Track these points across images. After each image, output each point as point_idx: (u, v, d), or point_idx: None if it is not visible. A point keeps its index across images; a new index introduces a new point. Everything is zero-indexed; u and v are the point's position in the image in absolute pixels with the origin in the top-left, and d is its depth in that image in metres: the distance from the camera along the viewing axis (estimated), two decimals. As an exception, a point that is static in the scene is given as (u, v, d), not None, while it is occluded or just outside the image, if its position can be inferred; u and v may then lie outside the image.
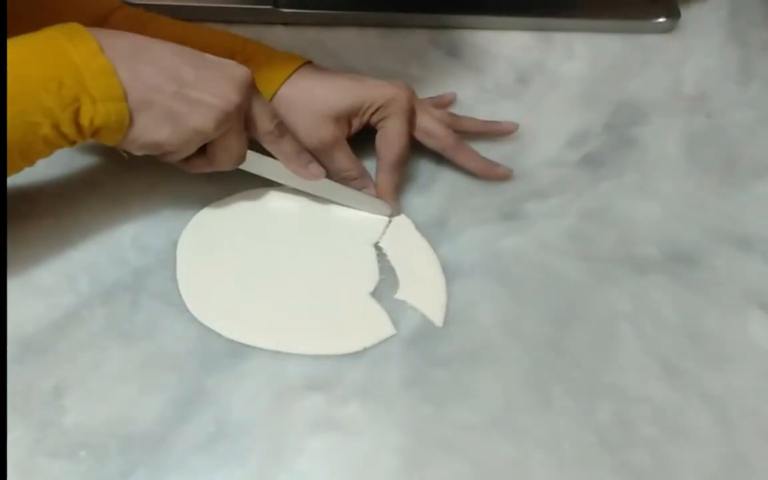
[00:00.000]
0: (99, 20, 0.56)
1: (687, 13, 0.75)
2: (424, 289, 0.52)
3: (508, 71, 0.69)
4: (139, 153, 0.48)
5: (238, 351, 0.48)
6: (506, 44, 0.72)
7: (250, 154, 0.52)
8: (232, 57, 0.53)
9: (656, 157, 0.64)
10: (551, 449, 0.46)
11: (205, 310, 0.49)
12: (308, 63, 0.56)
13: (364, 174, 0.57)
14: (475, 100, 0.66)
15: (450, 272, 0.54)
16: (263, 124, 0.51)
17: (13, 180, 0.48)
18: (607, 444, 0.47)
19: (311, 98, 0.54)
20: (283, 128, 0.52)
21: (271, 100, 0.54)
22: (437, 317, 0.51)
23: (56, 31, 0.44)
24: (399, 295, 0.52)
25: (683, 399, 0.49)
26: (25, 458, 0.42)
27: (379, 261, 0.54)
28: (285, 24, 0.70)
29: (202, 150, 0.50)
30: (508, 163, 0.61)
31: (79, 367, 0.46)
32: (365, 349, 0.49)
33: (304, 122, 0.54)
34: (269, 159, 0.53)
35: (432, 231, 0.56)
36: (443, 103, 0.64)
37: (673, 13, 0.75)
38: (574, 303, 0.53)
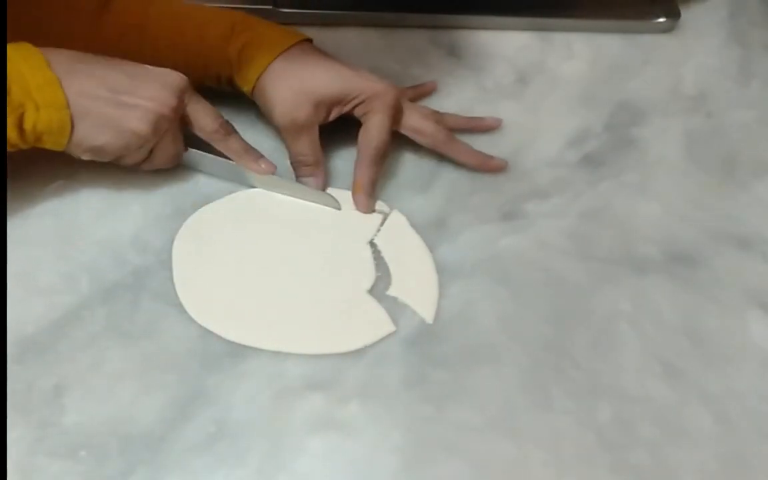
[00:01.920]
0: (104, 1, 0.57)
1: (687, 13, 0.75)
2: (417, 286, 0.52)
3: (508, 71, 0.69)
4: (86, 157, 0.51)
5: (238, 351, 0.48)
6: (506, 44, 0.72)
7: (195, 153, 0.55)
8: (231, 27, 0.56)
9: (656, 157, 0.64)
10: (551, 449, 0.46)
11: (204, 311, 0.49)
12: (306, 41, 0.58)
13: (319, 164, 0.57)
14: (475, 100, 0.66)
15: (450, 272, 0.54)
16: (207, 123, 0.54)
17: (13, 180, 0.48)
18: (606, 444, 0.47)
19: (297, 77, 0.55)
20: (227, 127, 0.55)
21: (263, 71, 0.56)
22: (428, 314, 0.51)
23: (12, 50, 0.48)
24: (391, 291, 0.52)
25: (683, 399, 0.49)
26: (25, 458, 0.42)
27: (375, 258, 0.54)
28: (285, 24, 0.69)
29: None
30: (509, 163, 0.61)
31: (79, 367, 0.46)
32: (365, 349, 0.49)
33: (284, 98, 0.55)
34: (218, 157, 0.56)
35: (432, 230, 0.56)
36: (425, 92, 0.65)
37: (673, 13, 0.75)
38: (573, 303, 0.53)
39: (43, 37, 0.49)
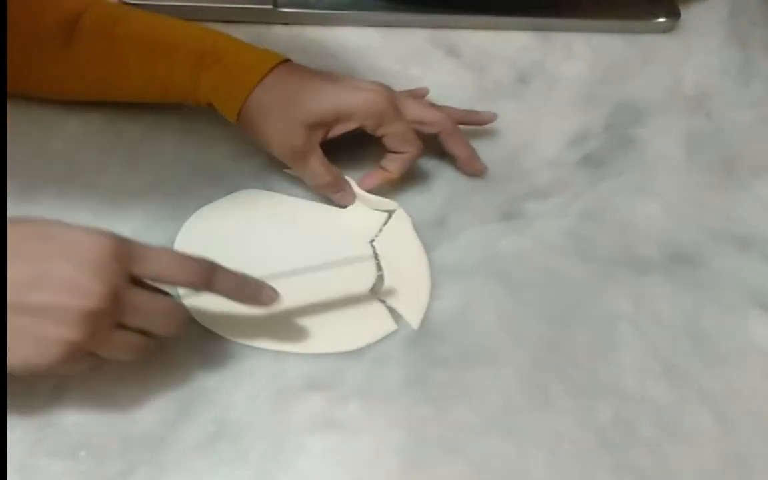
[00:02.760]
0: (72, 17, 0.54)
1: (687, 13, 0.75)
2: (407, 291, 0.52)
3: (508, 71, 0.69)
4: (19, 375, 0.40)
5: (239, 351, 0.48)
6: (506, 44, 0.71)
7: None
8: (200, 59, 0.52)
9: (656, 157, 0.64)
10: (551, 449, 0.46)
11: (205, 312, 0.49)
12: (284, 62, 0.55)
13: (338, 178, 0.55)
14: (475, 100, 0.66)
15: (449, 272, 0.54)
16: (175, 279, 0.42)
17: (12, 180, 0.48)
18: (606, 444, 0.47)
19: (286, 104, 0.52)
20: (205, 270, 0.42)
21: (243, 104, 0.52)
22: (414, 320, 0.51)
23: None
24: (382, 295, 0.52)
25: (683, 399, 0.49)
26: (25, 458, 0.42)
27: (376, 257, 0.54)
28: (285, 24, 0.70)
29: None
30: (509, 163, 0.61)
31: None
32: (365, 350, 0.49)
33: (278, 129, 0.53)
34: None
35: (431, 230, 0.56)
36: (420, 96, 0.63)
37: (673, 13, 0.75)
38: (573, 303, 0.53)
39: (10, 71, 0.45)
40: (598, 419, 0.48)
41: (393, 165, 0.56)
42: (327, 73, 0.55)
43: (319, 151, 0.54)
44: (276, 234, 0.54)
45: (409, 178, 0.59)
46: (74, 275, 0.38)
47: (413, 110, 0.56)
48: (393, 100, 0.54)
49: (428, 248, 0.55)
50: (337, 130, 0.54)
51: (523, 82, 0.69)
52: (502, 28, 0.73)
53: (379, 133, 0.54)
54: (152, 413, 0.45)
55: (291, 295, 0.51)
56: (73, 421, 0.44)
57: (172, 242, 0.53)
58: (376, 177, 0.56)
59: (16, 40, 0.50)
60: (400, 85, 0.66)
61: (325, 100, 0.53)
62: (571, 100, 0.68)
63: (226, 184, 0.57)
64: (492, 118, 0.62)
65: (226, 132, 0.60)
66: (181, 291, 0.49)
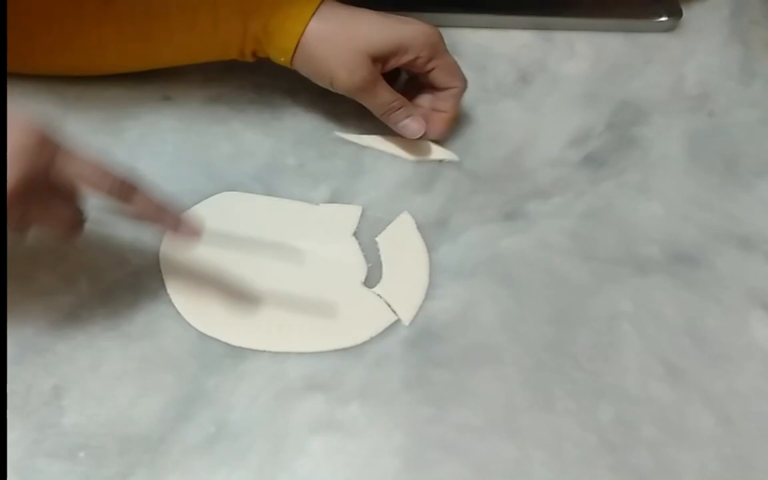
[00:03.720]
0: None
1: (689, 12, 0.75)
2: (403, 288, 0.52)
3: (509, 70, 0.69)
4: None
5: (238, 352, 0.48)
6: (507, 43, 0.71)
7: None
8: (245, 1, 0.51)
9: (658, 157, 0.63)
10: (552, 450, 0.46)
11: (200, 316, 0.49)
12: None
13: (406, 104, 0.56)
14: (476, 100, 0.66)
15: (451, 272, 0.54)
16: (96, 187, 0.41)
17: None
18: (608, 445, 0.47)
19: (349, 34, 0.52)
20: (126, 185, 0.41)
21: (299, 40, 0.52)
22: (406, 316, 0.51)
23: None
24: (377, 288, 0.52)
25: (685, 399, 0.49)
26: (24, 459, 0.42)
27: (363, 250, 0.54)
28: (285, 23, 0.69)
29: None
30: (510, 163, 0.61)
31: (79, 368, 0.46)
32: (366, 350, 0.49)
33: (345, 60, 0.52)
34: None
35: (433, 230, 0.56)
36: None
37: (675, 12, 0.75)
38: (575, 303, 0.53)
39: (56, 23, 0.45)
40: (599, 420, 0.48)
41: (447, 104, 0.57)
42: (375, 9, 0.55)
43: (383, 81, 0.55)
44: (259, 235, 0.54)
45: (410, 178, 0.59)
46: None
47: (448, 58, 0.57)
48: (440, 34, 0.56)
49: (430, 248, 0.55)
50: (393, 63, 0.55)
51: (525, 81, 0.68)
52: (504, 27, 0.72)
53: (429, 66, 0.55)
54: (151, 414, 0.45)
55: (285, 295, 0.51)
56: (72, 422, 0.44)
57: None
58: (441, 122, 0.57)
59: (58, 7, 0.50)
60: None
61: (386, 31, 0.53)
62: (572, 99, 0.67)
63: (226, 184, 0.57)
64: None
65: (226, 132, 0.60)
66: (169, 288, 0.49)
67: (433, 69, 0.55)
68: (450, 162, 0.60)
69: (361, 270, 0.53)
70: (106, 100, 0.59)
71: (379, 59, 0.54)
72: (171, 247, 0.52)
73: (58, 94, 0.58)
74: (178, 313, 0.49)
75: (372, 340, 0.50)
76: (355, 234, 0.55)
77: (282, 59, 0.54)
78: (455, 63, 0.57)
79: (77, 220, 0.43)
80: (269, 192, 0.57)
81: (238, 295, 0.51)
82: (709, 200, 0.61)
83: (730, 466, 0.47)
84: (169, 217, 0.43)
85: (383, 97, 0.55)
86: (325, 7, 0.53)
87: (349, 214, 0.56)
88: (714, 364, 0.51)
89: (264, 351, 0.48)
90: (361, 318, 0.50)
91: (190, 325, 0.49)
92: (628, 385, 0.49)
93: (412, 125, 0.56)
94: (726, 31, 0.75)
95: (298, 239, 0.54)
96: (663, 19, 0.74)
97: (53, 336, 0.47)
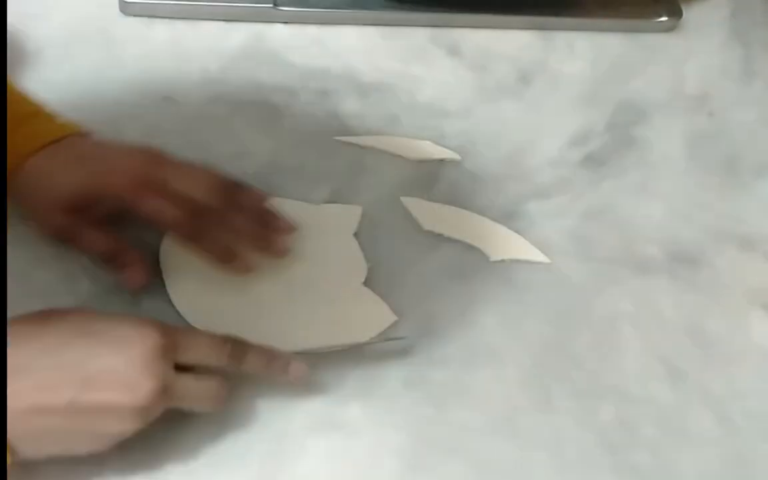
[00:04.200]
0: None
1: (689, 12, 0.75)
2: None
3: (509, 70, 0.69)
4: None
5: (238, 352, 0.48)
6: (507, 43, 0.71)
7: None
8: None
9: (658, 157, 0.63)
10: (552, 450, 0.46)
11: (199, 317, 0.49)
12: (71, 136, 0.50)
13: (124, 248, 0.49)
14: (476, 100, 0.66)
15: (452, 272, 0.54)
16: (216, 361, 0.42)
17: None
18: (608, 445, 0.47)
19: (46, 183, 0.48)
20: (238, 349, 0.43)
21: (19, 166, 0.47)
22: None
23: None
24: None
25: (685, 400, 0.49)
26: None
27: (363, 251, 0.53)
28: (285, 23, 0.69)
29: None
30: (510, 162, 0.61)
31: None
32: (366, 351, 0.49)
33: (33, 217, 0.49)
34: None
35: (432, 231, 0.56)
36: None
37: (675, 12, 0.75)
38: (575, 303, 0.53)
39: None
40: (599, 420, 0.48)
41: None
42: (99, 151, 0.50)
43: (92, 228, 0.49)
44: None
45: (410, 179, 0.59)
46: (125, 372, 0.38)
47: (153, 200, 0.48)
48: (149, 167, 0.49)
49: (431, 249, 0.55)
50: (101, 210, 0.49)
51: (525, 81, 0.68)
52: (504, 27, 0.72)
53: (140, 200, 0.48)
54: (152, 414, 0.45)
55: (287, 296, 0.51)
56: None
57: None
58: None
59: None
60: (401, 85, 0.66)
61: (76, 184, 0.48)
62: (572, 99, 0.67)
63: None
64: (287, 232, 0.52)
65: (226, 132, 0.60)
66: (169, 288, 0.49)
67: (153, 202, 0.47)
68: (450, 162, 0.60)
69: (361, 270, 0.52)
70: (106, 101, 0.59)
71: (75, 209, 0.49)
72: (171, 247, 0.52)
73: (59, 96, 0.58)
74: (178, 313, 0.49)
75: (372, 340, 0.49)
76: (355, 234, 0.55)
77: None
78: (196, 172, 0.50)
79: (219, 389, 0.43)
80: (269, 192, 0.56)
81: (238, 295, 0.51)
82: (709, 200, 0.61)
83: (729, 466, 0.47)
84: (278, 365, 0.44)
85: (89, 245, 0.49)
86: (47, 152, 0.49)
87: (349, 214, 0.56)
88: (714, 364, 0.51)
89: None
90: (362, 320, 0.50)
91: (189, 325, 0.49)
92: (628, 386, 0.49)
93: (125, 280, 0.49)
94: (726, 31, 0.75)
95: (299, 239, 0.54)
96: (663, 19, 0.74)
97: (53, 336, 0.47)
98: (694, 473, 0.46)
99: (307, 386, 0.46)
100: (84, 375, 0.38)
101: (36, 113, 0.52)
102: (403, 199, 0.57)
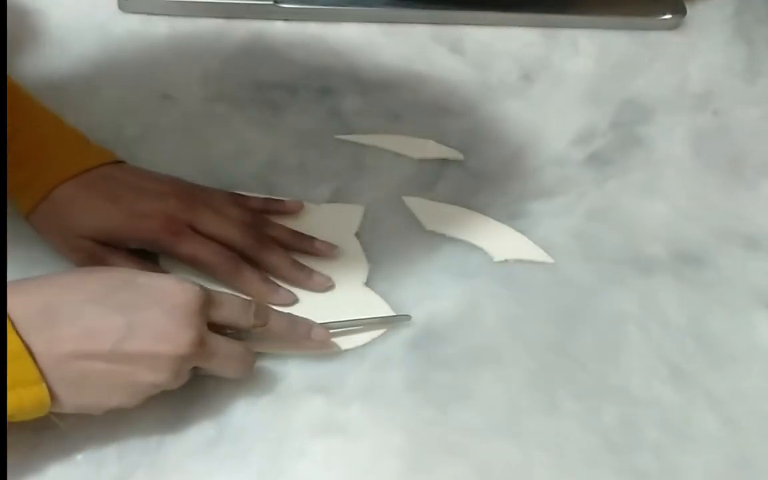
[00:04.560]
0: None
1: (693, 10, 0.75)
2: None
3: (512, 68, 0.69)
4: (98, 414, 0.42)
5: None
6: (511, 41, 0.71)
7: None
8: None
9: (662, 156, 0.63)
10: (555, 452, 0.46)
11: None
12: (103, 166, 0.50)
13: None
14: (479, 98, 0.65)
15: (453, 272, 0.53)
16: (242, 322, 0.44)
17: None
18: (612, 447, 0.46)
19: (75, 215, 0.48)
20: (263, 313, 0.45)
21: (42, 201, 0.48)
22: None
23: None
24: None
25: (689, 401, 0.49)
26: (22, 462, 0.42)
27: (365, 250, 0.53)
28: (285, 20, 0.69)
29: None
30: (513, 161, 0.61)
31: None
32: (366, 352, 0.49)
33: (59, 241, 0.49)
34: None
35: (435, 231, 0.55)
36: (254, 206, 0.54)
37: (679, 10, 0.75)
38: (579, 304, 0.53)
39: None
40: (603, 421, 0.47)
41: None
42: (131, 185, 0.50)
43: (118, 251, 0.49)
44: None
45: (413, 178, 0.59)
46: (166, 323, 0.40)
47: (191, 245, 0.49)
48: (183, 211, 0.49)
49: (432, 248, 0.54)
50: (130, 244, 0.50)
51: (528, 79, 0.68)
52: (507, 25, 0.72)
53: (175, 244, 0.49)
54: (150, 416, 0.44)
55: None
56: (71, 425, 0.44)
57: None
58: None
59: None
60: (403, 83, 0.65)
61: (101, 221, 0.49)
62: (576, 97, 0.67)
63: (226, 184, 0.56)
64: (296, 207, 0.54)
65: (226, 131, 0.60)
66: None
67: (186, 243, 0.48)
68: (453, 161, 0.60)
69: (363, 270, 0.52)
70: (105, 99, 0.59)
71: (105, 242, 0.49)
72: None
73: (58, 94, 0.58)
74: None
75: (373, 341, 0.49)
76: (357, 234, 0.54)
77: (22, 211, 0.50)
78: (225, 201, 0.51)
79: (247, 354, 0.45)
80: (270, 191, 0.56)
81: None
82: (714, 199, 0.60)
83: (734, 468, 0.46)
84: (302, 328, 0.46)
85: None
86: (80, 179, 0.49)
87: (350, 214, 0.55)
88: (718, 365, 0.51)
89: (265, 353, 0.48)
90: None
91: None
92: (632, 387, 0.49)
93: None
94: (730, 29, 0.75)
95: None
96: (667, 16, 0.74)
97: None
98: (698, 475, 0.46)
99: (329, 352, 0.48)
100: (127, 324, 0.39)
101: (70, 138, 0.52)
102: (405, 198, 0.57)
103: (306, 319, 0.47)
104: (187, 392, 0.45)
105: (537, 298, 0.53)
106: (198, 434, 0.44)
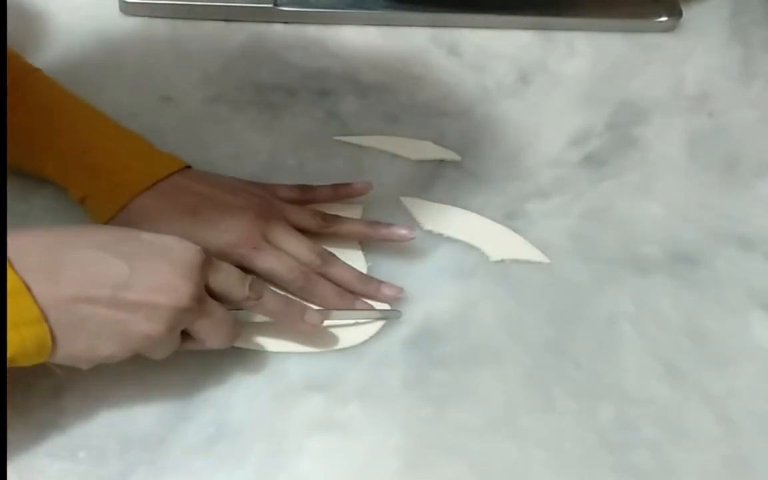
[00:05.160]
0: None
1: (689, 12, 0.75)
2: None
3: (509, 70, 0.69)
4: (84, 367, 0.41)
5: (238, 351, 0.48)
6: (507, 43, 0.71)
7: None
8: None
9: (658, 157, 0.63)
10: (552, 450, 0.46)
11: None
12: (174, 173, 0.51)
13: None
14: (476, 100, 0.66)
15: (451, 272, 0.54)
16: (236, 292, 0.44)
17: (12, 179, 0.47)
18: (608, 445, 0.47)
19: (152, 227, 0.46)
20: (259, 287, 0.45)
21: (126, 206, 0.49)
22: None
23: None
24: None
25: (685, 400, 0.49)
26: (24, 459, 0.42)
27: (362, 250, 0.54)
28: (285, 22, 0.69)
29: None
30: (510, 162, 0.61)
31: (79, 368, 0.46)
32: (365, 350, 0.49)
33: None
34: (262, 322, 0.47)
35: (432, 231, 0.56)
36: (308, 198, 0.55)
37: (675, 12, 0.75)
38: (575, 303, 0.53)
39: None
40: (599, 420, 0.48)
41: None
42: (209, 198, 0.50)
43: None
44: None
45: (410, 178, 0.59)
46: (168, 274, 0.40)
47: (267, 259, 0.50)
48: (264, 213, 0.50)
49: (430, 248, 0.55)
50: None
51: (525, 81, 0.68)
52: (504, 27, 0.72)
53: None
54: (151, 414, 0.45)
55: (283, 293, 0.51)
56: (72, 422, 0.44)
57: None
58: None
59: None
60: (401, 85, 0.66)
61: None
62: (572, 99, 0.67)
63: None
64: (366, 187, 0.55)
65: (226, 132, 0.60)
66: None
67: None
68: (450, 161, 0.60)
69: (361, 269, 0.52)
70: (106, 101, 0.59)
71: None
72: None
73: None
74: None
75: (371, 340, 0.49)
76: None
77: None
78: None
79: (235, 325, 0.45)
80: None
81: None
82: (709, 200, 0.61)
83: (729, 465, 0.47)
84: (295, 310, 0.46)
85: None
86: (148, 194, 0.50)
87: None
88: (714, 364, 0.51)
89: (264, 351, 0.48)
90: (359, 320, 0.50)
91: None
92: (628, 385, 0.49)
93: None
94: (726, 31, 0.75)
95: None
96: (663, 19, 0.74)
97: (53, 336, 0.47)
98: (693, 473, 0.46)
99: (320, 340, 0.48)
100: (129, 272, 0.39)
101: (140, 146, 0.53)
102: (402, 198, 0.57)
103: (301, 302, 0.47)
104: (188, 390, 0.46)
105: (534, 298, 0.53)
106: (198, 432, 0.44)
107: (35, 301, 0.37)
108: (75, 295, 0.38)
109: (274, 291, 0.46)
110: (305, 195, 0.54)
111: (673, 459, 0.46)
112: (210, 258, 0.43)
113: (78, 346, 0.39)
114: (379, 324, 0.50)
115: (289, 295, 0.48)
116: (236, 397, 0.46)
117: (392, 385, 0.48)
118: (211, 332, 0.43)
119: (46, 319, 0.37)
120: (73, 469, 0.42)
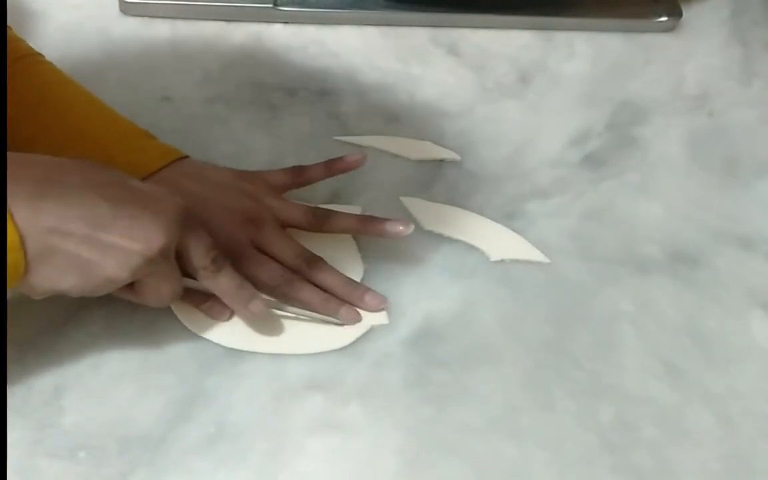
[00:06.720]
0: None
1: (689, 12, 0.75)
2: None
3: (509, 70, 0.69)
4: (37, 297, 0.42)
5: (237, 352, 0.48)
6: (507, 43, 0.71)
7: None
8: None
9: (658, 157, 0.63)
10: (552, 450, 0.46)
11: (197, 321, 0.49)
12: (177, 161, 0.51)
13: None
14: (476, 100, 0.66)
15: (451, 272, 0.54)
16: (198, 258, 0.44)
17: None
18: (608, 445, 0.47)
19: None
20: (220, 261, 0.45)
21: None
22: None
23: None
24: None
25: (685, 399, 0.49)
26: (24, 459, 0.42)
27: (360, 251, 0.53)
28: (285, 23, 0.70)
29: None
30: (510, 163, 0.61)
31: (79, 368, 0.46)
32: (365, 350, 0.49)
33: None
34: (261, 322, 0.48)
35: (432, 231, 0.56)
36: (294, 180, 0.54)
37: (675, 12, 0.75)
38: (575, 303, 0.53)
39: None
40: (599, 420, 0.47)
41: None
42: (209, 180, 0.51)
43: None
44: None
45: (410, 178, 0.59)
46: (147, 224, 0.41)
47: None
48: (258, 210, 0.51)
49: (430, 248, 0.55)
50: None
51: (524, 81, 0.68)
52: (504, 27, 0.72)
53: None
54: (151, 414, 0.45)
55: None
56: (72, 422, 0.44)
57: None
58: None
59: None
60: (400, 85, 0.66)
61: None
62: (572, 99, 0.67)
63: (226, 184, 0.57)
64: (359, 160, 0.55)
65: (226, 132, 0.60)
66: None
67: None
68: (450, 162, 0.60)
69: (357, 271, 0.52)
70: (106, 101, 0.59)
71: None
72: None
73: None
74: (178, 319, 0.49)
75: (372, 340, 0.49)
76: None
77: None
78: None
79: (181, 288, 0.45)
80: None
81: None
82: (709, 200, 0.61)
83: (729, 465, 0.46)
84: (243, 293, 0.46)
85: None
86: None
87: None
88: (714, 363, 0.51)
89: (263, 352, 0.48)
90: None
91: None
92: (628, 385, 0.49)
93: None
94: (726, 31, 0.76)
95: (297, 239, 0.54)
96: (663, 19, 0.75)
97: (54, 335, 0.47)
98: (693, 473, 0.46)
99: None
100: (111, 214, 0.40)
101: (132, 139, 0.53)
102: (402, 199, 0.57)
103: (253, 289, 0.47)
104: (188, 390, 0.46)
105: (534, 298, 0.53)
106: (198, 432, 0.44)
107: (16, 228, 0.37)
108: (52, 228, 0.39)
109: (234, 271, 0.46)
110: (299, 177, 0.54)
111: (673, 459, 0.46)
112: (191, 217, 0.44)
113: (40, 276, 0.40)
114: (368, 323, 0.50)
115: (247, 283, 0.47)
116: (236, 397, 0.46)
117: (392, 385, 0.48)
118: (155, 288, 0.43)
119: (24, 248, 0.38)
120: (73, 469, 0.42)
